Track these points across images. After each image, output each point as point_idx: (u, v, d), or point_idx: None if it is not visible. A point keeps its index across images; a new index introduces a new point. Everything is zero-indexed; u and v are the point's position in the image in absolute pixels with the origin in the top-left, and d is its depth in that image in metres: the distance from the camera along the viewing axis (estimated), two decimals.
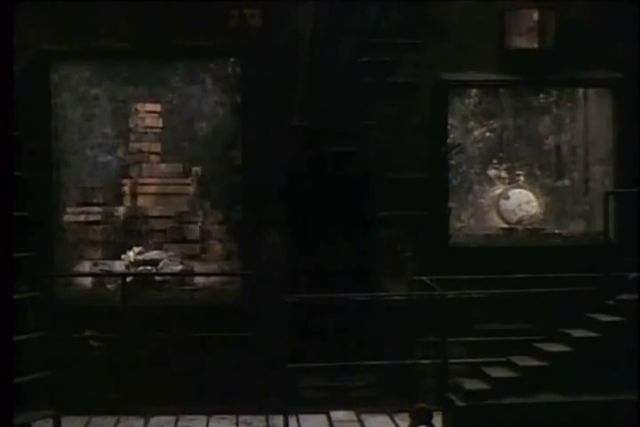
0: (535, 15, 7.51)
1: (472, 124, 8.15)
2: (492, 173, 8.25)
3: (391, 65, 7.46)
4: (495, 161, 8.22)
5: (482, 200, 8.19)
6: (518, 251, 7.66)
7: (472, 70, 7.65)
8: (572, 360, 6.18)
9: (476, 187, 8.18)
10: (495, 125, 8.18)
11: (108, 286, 7.59)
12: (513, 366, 6.30)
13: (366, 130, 7.40)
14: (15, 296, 5.51)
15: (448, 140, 7.72)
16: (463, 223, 7.99)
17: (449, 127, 7.83)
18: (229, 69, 7.74)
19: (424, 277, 6.94)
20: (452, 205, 7.79)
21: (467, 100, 8.12)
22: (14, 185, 5.48)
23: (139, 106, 7.88)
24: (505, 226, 8.11)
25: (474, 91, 8.09)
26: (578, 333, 6.36)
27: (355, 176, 7.42)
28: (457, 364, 6.71)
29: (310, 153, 7.39)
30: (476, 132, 8.17)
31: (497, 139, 8.19)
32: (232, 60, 7.68)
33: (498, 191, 8.22)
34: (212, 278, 7.74)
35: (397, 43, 7.46)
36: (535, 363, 6.26)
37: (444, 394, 6.35)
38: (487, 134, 8.18)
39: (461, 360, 6.80)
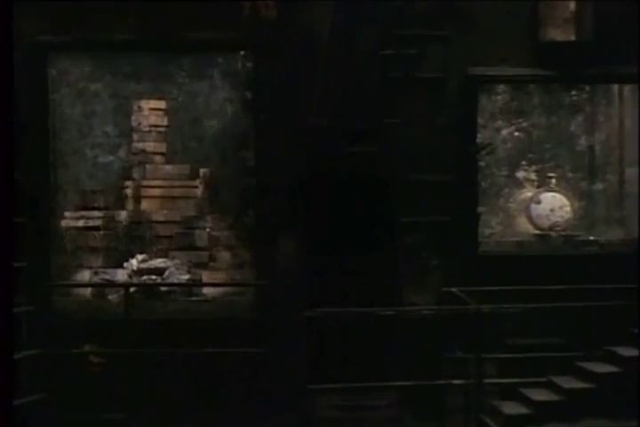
0: (572, 5, 7.09)
1: (500, 122, 7.83)
2: (520, 175, 7.92)
3: (416, 58, 7.09)
4: (524, 162, 7.90)
5: (510, 204, 7.86)
6: (552, 259, 7.24)
7: (502, 65, 7.22)
8: (621, 382, 5.68)
9: (505, 190, 7.87)
10: (524, 124, 7.87)
11: (110, 297, 7.31)
12: (555, 388, 5.81)
13: (389, 129, 7.04)
14: None
15: (477, 140, 7.31)
16: (493, 230, 7.66)
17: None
18: (239, 64, 7.56)
19: (453, 289, 6.59)
20: (481, 209, 7.41)
21: (494, 97, 7.79)
22: (14, 190, 5.16)
23: (142, 103, 7.80)
24: (537, 232, 7.71)
25: (501, 87, 7.75)
26: (626, 351, 5.86)
27: (376, 179, 7.07)
28: (491, 384, 6.26)
29: (328, 154, 7.03)
30: (504, 132, 7.85)
31: (526, 139, 7.88)
32: (242, 53, 7.47)
33: (527, 195, 7.88)
34: (222, 289, 7.44)
35: (423, 34, 7.10)
36: (581, 385, 5.77)
37: (479, 417, 5.90)
38: (516, 134, 7.86)
39: (498, 380, 6.31)
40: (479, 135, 7.49)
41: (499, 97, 7.79)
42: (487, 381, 6.14)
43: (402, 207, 7.06)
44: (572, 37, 7.11)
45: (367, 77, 7.05)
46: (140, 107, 7.77)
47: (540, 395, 5.81)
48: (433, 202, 7.01)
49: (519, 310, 6.36)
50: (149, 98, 7.76)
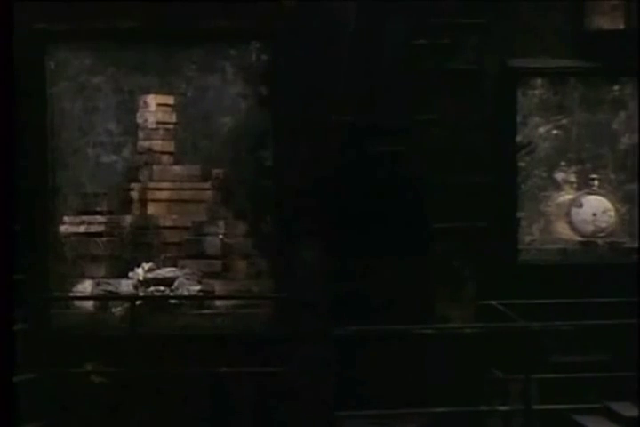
0: None
1: (537, 119, 7.33)
2: (559, 176, 7.41)
3: (450, 49, 6.83)
4: (563, 163, 7.39)
5: (548, 208, 7.37)
6: (598, 269, 6.94)
7: (544, 56, 6.98)
8: None
9: (542, 193, 7.36)
10: (563, 121, 7.37)
11: (113, 310, 6.96)
12: (615, 416, 5.28)
13: (420, 126, 6.82)
14: None
15: (517, 138, 7.01)
16: (533, 236, 7.18)
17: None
18: (254, 56, 7.22)
19: (493, 302, 6.35)
20: (520, 214, 7.05)
21: (530, 92, 7.29)
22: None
23: (149, 98, 7.37)
24: (580, 239, 7.27)
25: (538, 80, 7.27)
26: None
27: (406, 181, 6.86)
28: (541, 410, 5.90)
29: (353, 153, 6.83)
30: (542, 130, 7.35)
31: (565, 137, 7.37)
32: (256, 45, 7.16)
33: (567, 198, 7.39)
34: (237, 301, 7.10)
35: (458, 23, 6.80)
36: None
37: None
38: (554, 132, 7.37)
39: (550, 407, 5.89)
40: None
41: (535, 91, 7.31)
42: (537, 407, 5.80)
43: (434, 212, 6.86)
44: (621, 26, 6.87)
45: (396, 70, 6.87)
46: (146, 102, 7.36)
47: (598, 424, 5.26)
48: (468, 206, 6.78)
49: (572, 327, 6.07)
50: (156, 92, 7.34)
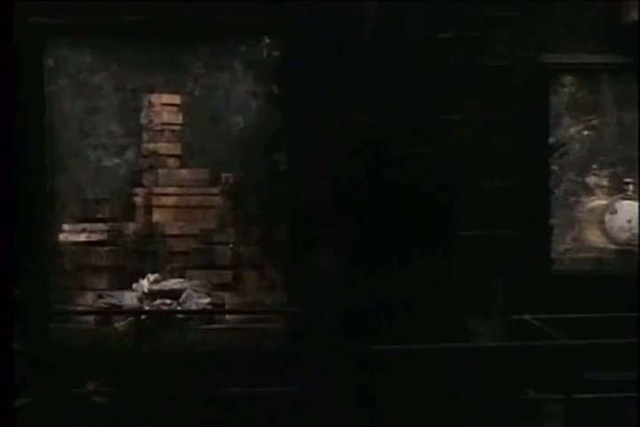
0: None
1: (567, 119, 7.09)
2: (591, 180, 7.18)
3: (477, 44, 6.54)
4: (595, 166, 7.16)
5: (580, 215, 7.15)
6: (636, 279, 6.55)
7: (578, 51, 6.70)
8: None
9: (573, 198, 7.14)
10: (595, 122, 7.12)
11: (117, 325, 6.76)
12: None
13: (444, 126, 6.53)
14: None
15: (550, 139, 6.77)
16: (567, 245, 6.96)
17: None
18: (264, 53, 7.13)
19: (527, 316, 6.09)
20: (553, 221, 6.80)
21: (560, 90, 7.05)
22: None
23: (153, 97, 7.38)
24: (614, 247, 7.04)
25: (568, 78, 7.04)
26: None
27: (430, 185, 6.54)
28: None
29: (374, 156, 6.54)
30: (572, 130, 7.10)
31: (597, 138, 7.14)
32: (267, 41, 7.07)
33: (599, 203, 7.16)
34: (249, 315, 6.95)
35: (486, 15, 6.53)
36: None
37: None
38: (585, 133, 7.13)
39: None
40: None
41: (565, 90, 7.07)
42: None
43: (460, 219, 6.56)
44: None
45: (419, 66, 6.56)
46: (150, 102, 7.32)
47: None
48: (497, 212, 6.49)
49: (610, 343, 5.70)
50: (161, 91, 7.30)
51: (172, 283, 6.99)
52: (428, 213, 6.53)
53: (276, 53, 7.00)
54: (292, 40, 6.69)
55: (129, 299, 6.91)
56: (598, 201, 7.15)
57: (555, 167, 6.83)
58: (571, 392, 5.53)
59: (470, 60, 6.53)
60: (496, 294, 6.52)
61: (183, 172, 7.31)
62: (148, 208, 7.29)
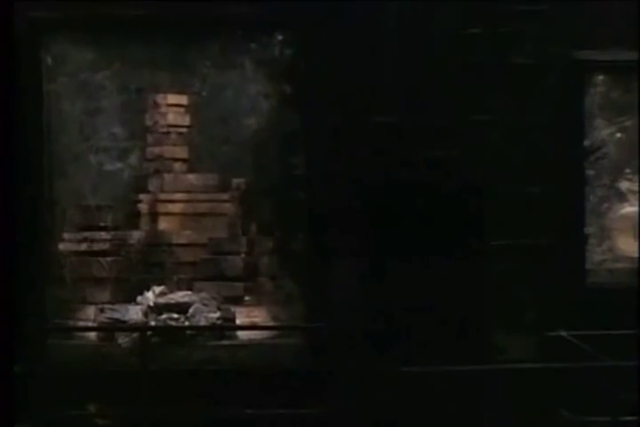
0: None
1: (598, 121, 6.90)
2: (623, 185, 6.97)
3: (507, 40, 6.38)
4: (628, 170, 6.96)
5: (612, 222, 6.92)
6: None
7: (613, 47, 6.45)
8: None
9: (606, 205, 6.93)
10: (627, 123, 6.89)
11: (120, 342, 6.58)
12: None
13: (472, 128, 6.37)
14: None
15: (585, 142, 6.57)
16: (604, 255, 6.76)
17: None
18: (276, 51, 7.02)
19: (563, 333, 5.85)
20: (588, 230, 6.60)
21: (592, 90, 6.87)
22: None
23: (159, 98, 7.38)
24: None
25: (600, 77, 6.86)
26: None
27: (457, 191, 6.38)
28: None
29: (397, 159, 6.36)
30: (604, 133, 6.90)
31: (630, 141, 6.88)
32: (280, 37, 6.95)
33: (632, 210, 6.90)
34: (264, 331, 6.79)
35: (517, 10, 6.35)
36: None
37: None
38: (617, 135, 6.91)
39: None
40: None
41: (596, 89, 6.88)
42: None
43: (490, 227, 6.41)
44: None
45: (447, 64, 6.39)
46: (155, 102, 7.28)
47: None
48: (528, 220, 6.35)
49: None
50: (167, 91, 7.28)
51: (180, 296, 6.84)
52: (455, 220, 6.37)
53: (288, 51, 6.86)
54: (311, 35, 6.49)
55: (133, 313, 6.74)
56: (630, 208, 6.90)
57: (590, 172, 6.64)
58: (616, 415, 5.28)
59: (499, 58, 6.37)
60: (527, 307, 6.34)
61: (191, 177, 7.27)
62: (154, 216, 7.25)
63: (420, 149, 6.36)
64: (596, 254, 6.70)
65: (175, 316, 6.66)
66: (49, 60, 6.81)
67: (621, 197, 6.92)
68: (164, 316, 6.66)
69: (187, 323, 6.65)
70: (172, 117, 7.29)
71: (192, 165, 7.31)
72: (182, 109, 7.29)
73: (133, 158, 7.25)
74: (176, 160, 7.28)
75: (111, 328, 6.60)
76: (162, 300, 6.79)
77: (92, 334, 6.78)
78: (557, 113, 6.42)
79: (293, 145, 6.73)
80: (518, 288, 6.35)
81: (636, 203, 6.91)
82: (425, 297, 6.31)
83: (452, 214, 6.34)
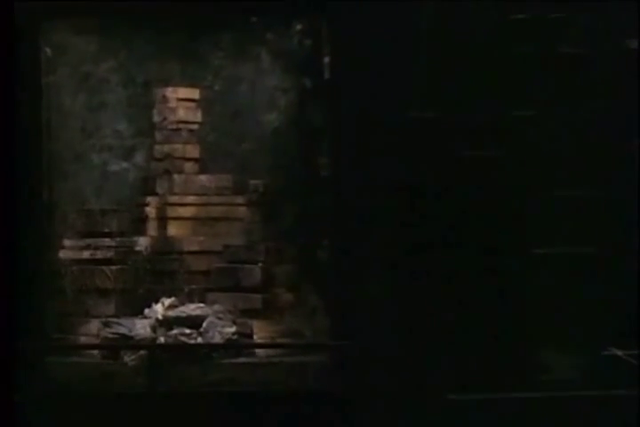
0: None
1: None
2: None
3: (555, 27, 6.03)
4: None
5: None
6: None
7: None
8: None
9: None
10: None
11: (127, 360, 6.26)
12: None
13: (519, 124, 6.02)
14: None
15: None
16: None
17: None
18: (295, 41, 6.82)
19: (619, 352, 5.56)
20: None
21: None
22: None
23: (168, 92, 7.13)
24: None
25: None
26: None
27: (501, 193, 6.01)
28: None
29: (436, 159, 6.00)
30: None
31: None
32: (298, 27, 6.74)
33: None
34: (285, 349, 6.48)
35: None
36: None
37: None
38: None
39: None
40: None
41: None
42: None
43: (535, 234, 6.03)
44: None
45: (489, 54, 6.02)
46: (164, 97, 7.03)
47: None
48: (579, 226, 5.96)
49: None
50: (177, 85, 7.05)
51: (191, 308, 6.50)
52: (496, 227, 5.98)
53: (308, 42, 6.58)
54: (337, 24, 6.12)
55: (141, 328, 6.38)
56: None
57: None
58: None
59: (546, 47, 6.01)
60: (575, 321, 5.94)
61: (203, 178, 6.97)
62: (163, 220, 6.94)
63: (458, 147, 5.99)
64: None
65: (187, 331, 6.33)
66: (48, 51, 6.56)
67: None
68: (174, 331, 6.33)
69: (199, 339, 6.32)
70: (182, 113, 7.00)
71: (204, 165, 7.03)
72: (193, 104, 7.02)
73: (140, 158, 6.99)
74: (187, 160, 7.01)
75: (116, 345, 6.29)
76: (172, 313, 6.45)
77: (95, 351, 6.44)
78: (611, 108, 6.05)
79: (317, 144, 6.44)
80: (566, 301, 5.98)
81: None
82: (462, 310, 5.91)
83: (493, 220, 5.99)
